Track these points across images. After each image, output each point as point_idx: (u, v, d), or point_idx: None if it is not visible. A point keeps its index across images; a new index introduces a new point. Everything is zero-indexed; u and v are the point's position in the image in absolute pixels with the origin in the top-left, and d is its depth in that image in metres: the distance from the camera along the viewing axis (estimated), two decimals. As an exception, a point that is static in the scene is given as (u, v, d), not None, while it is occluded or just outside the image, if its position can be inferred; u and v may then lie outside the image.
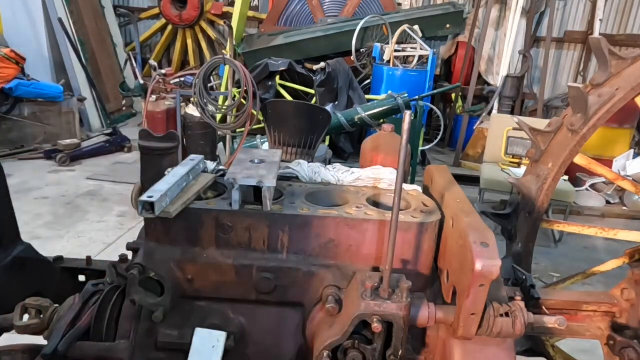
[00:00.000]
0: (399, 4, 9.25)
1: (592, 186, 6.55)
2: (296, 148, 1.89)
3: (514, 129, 5.51)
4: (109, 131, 7.48)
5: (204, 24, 10.13)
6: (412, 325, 1.13)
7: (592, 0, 8.81)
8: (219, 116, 5.11)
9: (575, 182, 6.23)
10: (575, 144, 1.70)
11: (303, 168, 1.54)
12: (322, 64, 7.04)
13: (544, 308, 1.49)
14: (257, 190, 1.28)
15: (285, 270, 1.27)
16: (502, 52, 8.21)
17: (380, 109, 5.21)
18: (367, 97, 7.00)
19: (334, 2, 8.89)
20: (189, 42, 10.32)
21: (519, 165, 5.59)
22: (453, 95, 8.74)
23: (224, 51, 7.05)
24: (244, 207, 1.28)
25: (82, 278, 1.80)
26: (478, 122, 7.80)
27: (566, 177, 5.37)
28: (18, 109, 6.89)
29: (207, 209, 1.28)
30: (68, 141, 6.88)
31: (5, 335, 1.55)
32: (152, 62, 6.48)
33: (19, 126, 6.93)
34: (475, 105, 8.14)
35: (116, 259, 1.57)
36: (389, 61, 7.10)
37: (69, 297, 1.47)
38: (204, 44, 10.30)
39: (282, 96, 6.85)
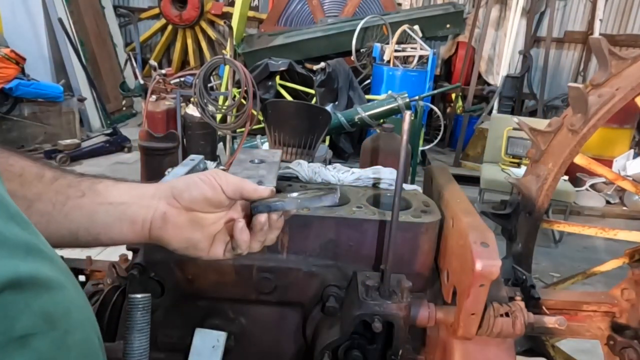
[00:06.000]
0: (399, 4, 9.25)
1: (592, 186, 6.54)
2: (296, 148, 1.88)
3: (514, 129, 5.51)
4: (109, 131, 7.48)
5: (204, 24, 10.13)
6: (412, 325, 1.13)
7: (592, 0, 8.81)
8: (219, 116, 5.11)
9: (575, 182, 6.23)
10: (575, 144, 1.70)
11: (303, 168, 1.53)
12: (322, 64, 7.04)
13: (544, 308, 1.49)
14: None
15: (285, 270, 1.27)
16: (502, 52, 8.22)
17: (380, 109, 5.20)
18: (367, 97, 7.00)
19: (334, 2, 8.89)
20: (189, 42, 10.32)
21: (519, 165, 5.60)
22: (453, 95, 8.74)
23: (224, 51, 7.05)
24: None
25: (82, 278, 1.79)
26: (478, 122, 7.79)
27: (566, 177, 5.36)
28: (18, 109, 6.88)
29: (207, 209, 1.27)
30: (68, 141, 6.88)
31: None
32: (152, 62, 6.49)
33: (19, 126, 6.92)
34: (475, 105, 8.13)
35: (116, 259, 1.57)
36: (389, 61, 7.09)
37: (69, 297, 1.47)
38: (204, 44, 10.29)
39: (282, 96, 6.84)
